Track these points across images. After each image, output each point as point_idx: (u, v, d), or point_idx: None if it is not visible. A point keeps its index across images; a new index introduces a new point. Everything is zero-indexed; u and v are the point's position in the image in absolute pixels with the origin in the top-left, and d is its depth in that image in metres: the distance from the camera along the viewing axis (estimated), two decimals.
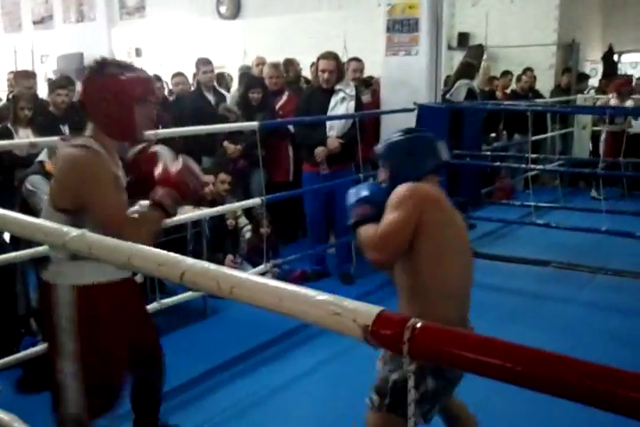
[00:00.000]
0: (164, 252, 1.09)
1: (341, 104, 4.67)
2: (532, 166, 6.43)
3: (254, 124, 4.11)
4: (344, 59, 5.85)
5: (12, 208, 2.92)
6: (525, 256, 5.17)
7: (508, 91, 8.35)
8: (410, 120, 5.10)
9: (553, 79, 9.15)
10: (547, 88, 8.93)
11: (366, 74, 6.15)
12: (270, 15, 9.87)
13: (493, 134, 7.79)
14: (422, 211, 1.89)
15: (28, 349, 3.07)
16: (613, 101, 7.17)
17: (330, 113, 4.67)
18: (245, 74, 6.67)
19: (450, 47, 9.98)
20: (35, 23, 11.98)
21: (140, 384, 2.33)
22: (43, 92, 6.50)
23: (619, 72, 10.28)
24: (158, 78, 5.89)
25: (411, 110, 5.12)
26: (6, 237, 3.49)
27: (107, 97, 1.95)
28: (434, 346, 0.82)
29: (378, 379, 1.99)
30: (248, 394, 2.78)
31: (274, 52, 7.67)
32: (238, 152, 5.20)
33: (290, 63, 6.49)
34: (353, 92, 4.71)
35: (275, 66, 5.75)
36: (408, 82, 5.38)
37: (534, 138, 7.17)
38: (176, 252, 1.13)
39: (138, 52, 11.74)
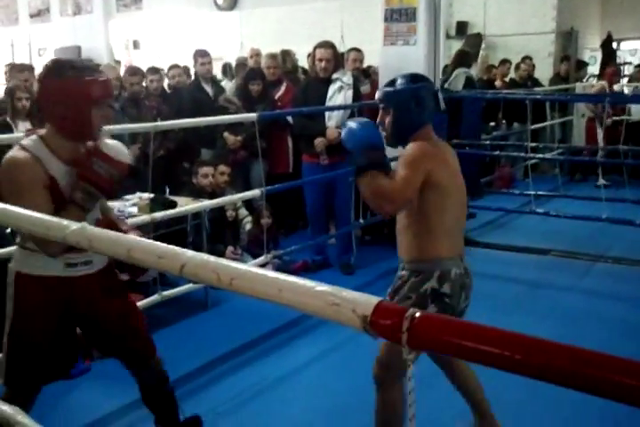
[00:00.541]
0: (164, 244, 1.10)
1: (339, 93, 4.67)
2: (532, 155, 6.43)
3: (253, 115, 4.11)
4: (341, 49, 5.84)
5: None
6: (525, 245, 5.18)
7: (507, 79, 8.32)
8: None
9: (552, 67, 9.12)
10: (546, 76, 8.90)
11: (365, 64, 6.13)
12: (267, 6, 9.82)
13: (492, 123, 7.78)
14: (431, 169, 2.11)
15: None
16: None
17: (328, 102, 4.66)
18: (242, 65, 6.64)
19: (448, 36, 9.91)
20: (31, 16, 11.92)
21: (143, 385, 2.37)
22: None
23: (618, 60, 10.25)
24: (156, 70, 5.86)
25: None
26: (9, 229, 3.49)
27: (63, 100, 1.97)
28: (433, 335, 0.82)
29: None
30: (250, 385, 2.79)
31: (271, 43, 7.64)
32: (239, 143, 5.20)
33: (287, 54, 6.47)
34: (350, 81, 4.71)
35: (272, 56, 5.74)
36: (406, 71, 5.31)
37: (533, 127, 7.16)
38: (176, 244, 1.13)
39: (135, 45, 11.69)
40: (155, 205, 3.64)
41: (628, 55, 11.15)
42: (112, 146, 2.13)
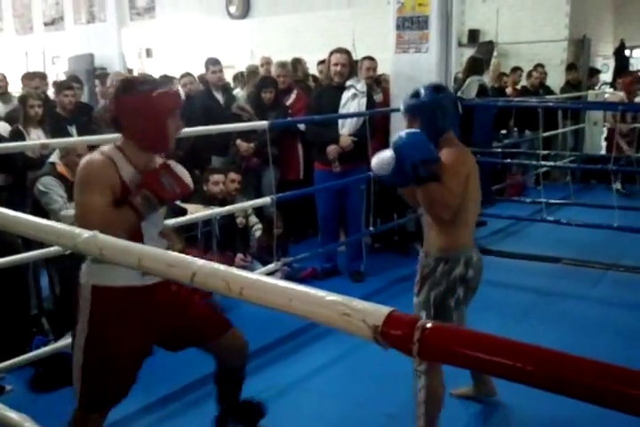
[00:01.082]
0: (175, 253, 1.10)
1: (353, 101, 4.68)
2: (543, 163, 6.41)
3: (264, 123, 4.13)
4: (353, 57, 5.84)
5: (23, 209, 2.95)
6: (536, 253, 5.15)
7: (519, 87, 8.31)
8: None
9: (564, 75, 9.10)
10: (558, 84, 8.88)
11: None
12: (280, 14, 9.88)
13: (504, 131, 7.76)
14: (468, 174, 2.44)
15: (39, 348, 3.09)
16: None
17: (341, 110, 4.67)
18: (254, 73, 6.67)
19: (460, 44, 9.94)
20: (45, 25, 12.05)
21: (222, 368, 2.50)
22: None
23: (631, 67, 10.21)
24: (170, 79, 5.91)
25: None
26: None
27: (142, 114, 2.07)
28: (444, 346, 0.82)
29: (419, 297, 2.50)
30: (258, 392, 2.78)
31: (283, 51, 7.69)
32: (252, 150, 5.21)
33: (298, 62, 6.49)
34: (364, 89, 4.72)
35: (282, 65, 5.76)
36: (418, 79, 5.36)
37: (545, 134, 7.14)
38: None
39: (148, 53, 11.78)
40: (165, 213, 3.64)
41: None
42: (180, 169, 2.22)
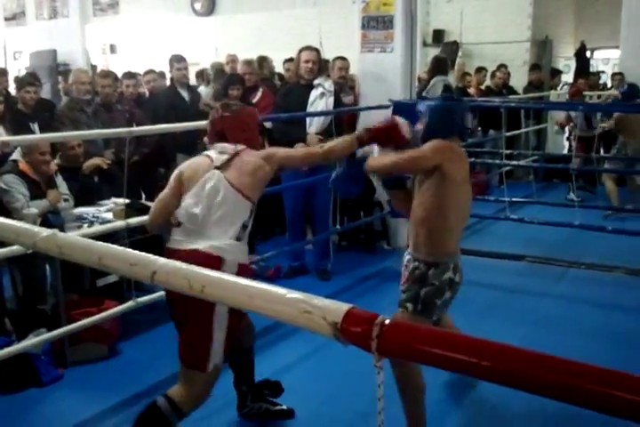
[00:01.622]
0: (136, 251, 1.09)
1: (320, 99, 4.69)
2: (507, 162, 6.49)
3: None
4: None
5: None
6: (500, 251, 5.23)
7: (483, 87, 8.41)
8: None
9: (527, 76, 9.24)
10: (521, 84, 9.01)
11: None
12: (245, 12, 9.84)
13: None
14: (443, 159, 2.47)
15: (1, 349, 3.03)
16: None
17: (309, 108, 4.68)
18: (221, 71, 6.64)
19: (425, 44, 10.03)
20: (7, 19, 11.80)
21: (235, 348, 2.67)
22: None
23: (591, 68, 10.40)
24: (132, 75, 5.84)
25: (387, 107, 5.14)
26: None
27: (248, 126, 2.66)
28: (402, 342, 0.83)
29: (408, 293, 2.58)
30: (227, 391, 2.78)
31: (248, 49, 7.66)
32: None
33: (264, 60, 6.48)
34: (332, 88, 4.73)
35: (248, 62, 5.74)
36: (384, 78, 5.41)
37: (508, 134, 7.25)
38: (152, 250, 1.13)
39: (112, 49, 11.63)
40: (130, 211, 3.61)
41: (601, 64, 11.33)
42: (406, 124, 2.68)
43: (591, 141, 6.17)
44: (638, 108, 6.15)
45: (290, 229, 4.97)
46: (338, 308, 0.87)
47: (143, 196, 5.11)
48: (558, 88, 9.08)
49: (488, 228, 6.19)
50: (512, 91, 8.53)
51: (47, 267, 3.59)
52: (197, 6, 10.44)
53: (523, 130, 8.13)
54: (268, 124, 5.19)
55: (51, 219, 3.61)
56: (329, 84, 4.75)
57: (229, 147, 2.55)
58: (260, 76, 6.02)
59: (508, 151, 6.59)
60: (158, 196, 2.54)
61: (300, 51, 4.72)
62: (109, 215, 3.84)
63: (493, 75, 8.47)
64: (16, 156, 3.71)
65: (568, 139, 8.51)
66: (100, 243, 1.13)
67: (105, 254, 1.09)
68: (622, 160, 6.52)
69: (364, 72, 5.59)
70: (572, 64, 10.37)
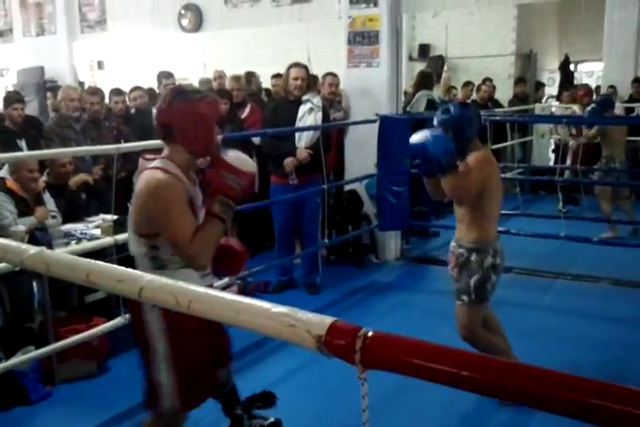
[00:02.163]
0: (123, 268, 1.10)
1: (309, 115, 4.71)
2: None
3: (218, 137, 4.13)
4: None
5: None
6: None
7: (469, 101, 8.49)
8: (373, 130, 5.16)
9: (512, 89, 9.35)
10: (506, 97, 9.11)
11: None
12: (232, 28, 9.87)
13: None
14: (488, 173, 2.85)
15: None
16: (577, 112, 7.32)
17: (298, 123, 4.70)
18: (208, 85, 6.67)
19: (411, 58, 10.14)
20: None
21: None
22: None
23: (575, 81, 10.53)
24: (120, 92, 5.85)
25: (373, 121, 5.18)
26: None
27: (195, 120, 2.16)
28: (384, 354, 0.85)
29: (460, 284, 2.95)
30: (217, 407, 2.77)
31: (235, 65, 7.71)
32: (207, 163, 5.19)
33: (251, 75, 6.52)
34: (320, 103, 4.76)
35: (236, 78, 5.78)
36: (370, 93, 5.46)
37: (494, 147, 7.30)
38: (135, 267, 1.14)
39: (100, 66, 11.65)
40: (118, 227, 3.61)
41: (585, 77, 11.48)
42: (236, 157, 2.21)
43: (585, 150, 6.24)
44: (623, 120, 6.23)
45: (279, 244, 4.98)
46: (321, 321, 0.88)
47: None
48: (543, 101, 9.18)
49: None
50: (497, 104, 8.62)
51: (35, 284, 3.57)
52: (185, 22, 10.45)
53: (508, 142, 8.20)
54: (256, 140, 5.22)
55: (38, 236, 3.61)
56: (317, 100, 4.78)
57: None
58: (247, 91, 6.05)
59: None
60: (184, 228, 2.09)
61: (289, 67, 4.75)
62: (97, 231, 3.84)
63: (479, 88, 8.56)
64: (3, 173, 3.71)
65: (554, 151, 8.59)
66: (88, 260, 1.14)
67: (92, 271, 1.10)
68: (608, 173, 6.56)
69: (351, 87, 5.64)
70: (557, 77, 10.51)
